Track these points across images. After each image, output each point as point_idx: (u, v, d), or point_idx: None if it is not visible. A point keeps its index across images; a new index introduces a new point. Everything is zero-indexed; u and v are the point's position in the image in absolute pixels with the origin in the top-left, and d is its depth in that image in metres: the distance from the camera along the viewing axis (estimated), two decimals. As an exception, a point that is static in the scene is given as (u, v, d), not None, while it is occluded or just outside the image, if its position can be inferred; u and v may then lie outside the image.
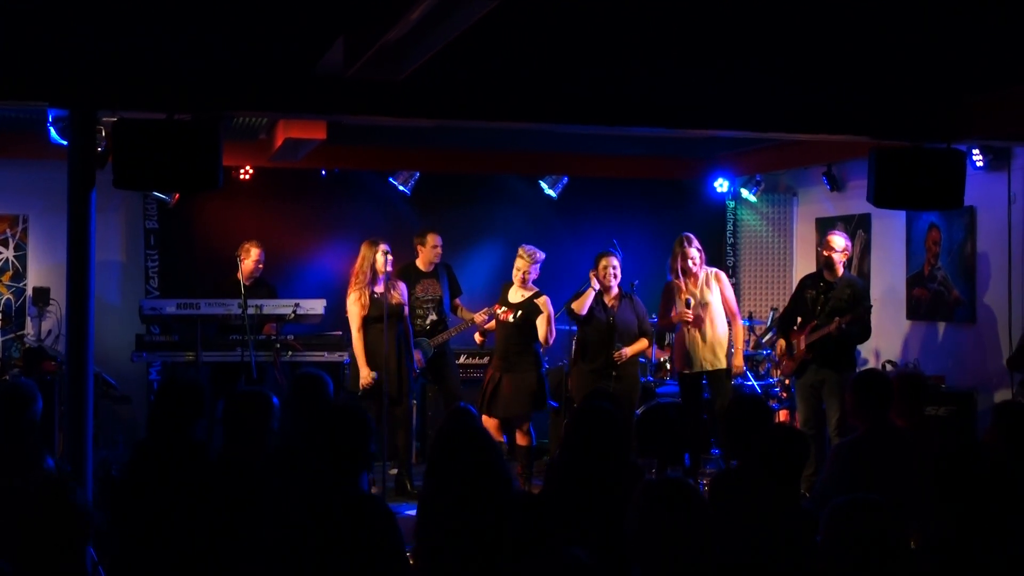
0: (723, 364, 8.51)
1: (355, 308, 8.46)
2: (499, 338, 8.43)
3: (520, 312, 8.31)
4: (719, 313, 8.52)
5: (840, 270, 8.43)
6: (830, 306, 8.29)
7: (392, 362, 8.38)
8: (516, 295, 8.41)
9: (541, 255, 8.41)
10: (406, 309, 8.63)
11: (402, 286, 8.67)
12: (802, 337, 8.36)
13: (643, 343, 8.45)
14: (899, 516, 3.15)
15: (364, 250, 8.50)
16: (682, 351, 8.55)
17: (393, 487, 8.61)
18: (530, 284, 8.40)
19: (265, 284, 9.39)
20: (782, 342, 8.62)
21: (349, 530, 3.87)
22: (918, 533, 3.88)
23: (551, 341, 8.40)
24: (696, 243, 8.59)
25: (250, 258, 9.10)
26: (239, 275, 8.87)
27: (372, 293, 8.39)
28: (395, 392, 8.44)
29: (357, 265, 8.52)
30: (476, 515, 4.09)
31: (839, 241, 8.47)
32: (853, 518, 3.11)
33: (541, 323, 8.28)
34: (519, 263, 8.37)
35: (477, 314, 8.86)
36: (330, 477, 4.01)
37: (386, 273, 8.42)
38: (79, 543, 2.91)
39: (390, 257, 8.45)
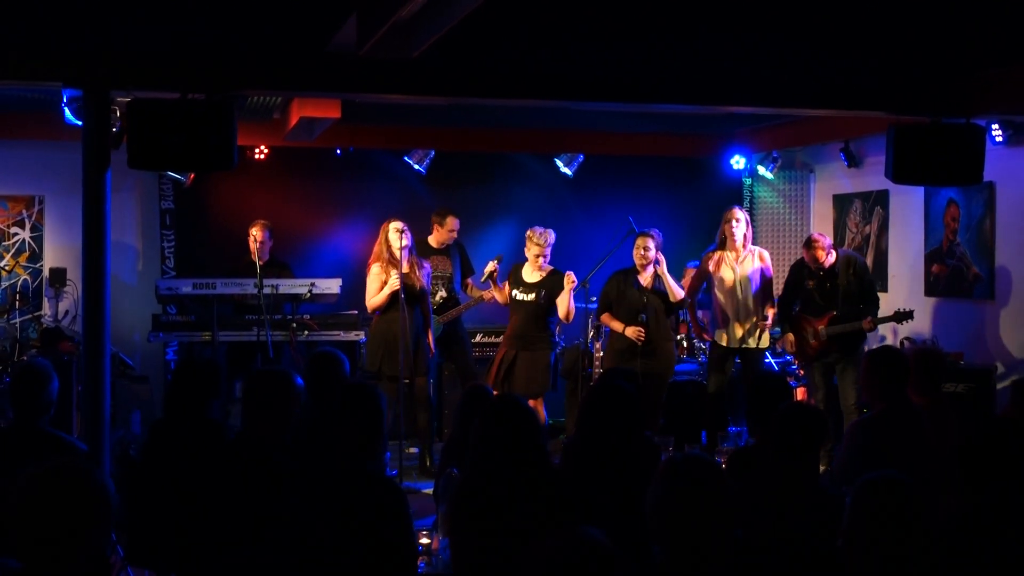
0: (754, 344, 8.49)
1: (375, 282, 8.40)
2: (518, 316, 8.39)
3: (543, 291, 8.31)
4: (751, 290, 8.50)
5: (830, 259, 8.36)
6: (841, 293, 8.29)
7: (411, 342, 8.38)
8: (533, 275, 8.40)
9: (552, 235, 8.39)
10: (428, 290, 8.64)
11: (426, 266, 8.65)
12: (820, 328, 8.31)
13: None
14: (925, 493, 3.12)
15: (382, 230, 8.47)
16: (716, 323, 8.61)
17: (416, 465, 8.64)
18: (545, 264, 8.40)
19: (279, 263, 9.39)
20: (791, 336, 8.56)
21: (360, 510, 3.87)
22: (937, 509, 3.86)
23: (571, 317, 8.38)
24: (743, 212, 8.65)
25: (251, 238, 9.09)
26: (253, 255, 8.89)
27: (398, 274, 8.33)
28: (409, 372, 8.44)
29: (377, 246, 8.48)
30: (524, 496, 4.08)
31: (819, 245, 8.34)
32: (882, 495, 3.09)
33: (563, 299, 8.27)
34: (534, 249, 8.34)
35: (485, 292, 8.91)
36: (344, 456, 4.00)
37: (406, 249, 8.38)
38: (103, 524, 2.90)
39: (406, 233, 8.40)
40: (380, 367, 8.38)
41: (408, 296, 8.25)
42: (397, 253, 8.23)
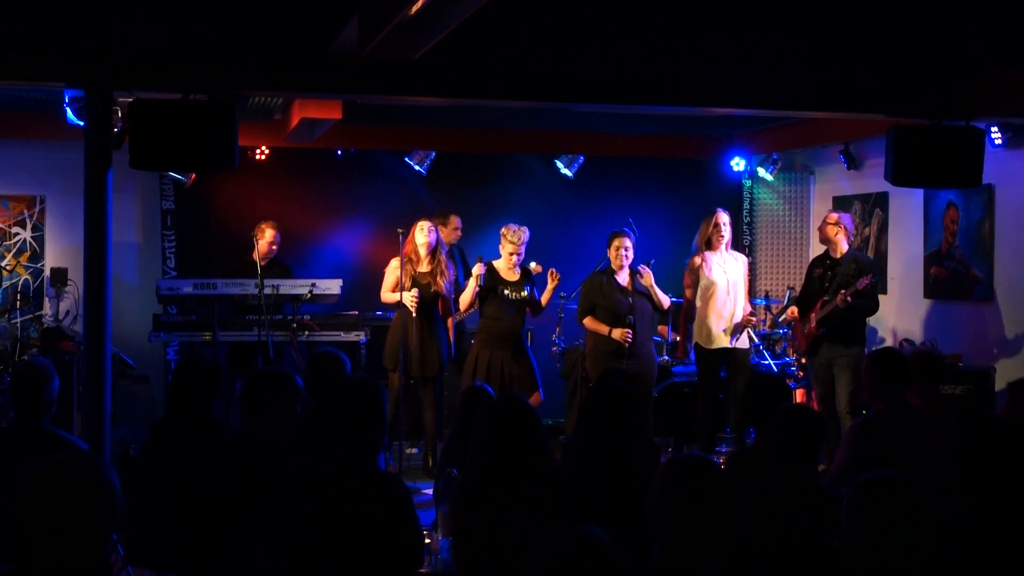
0: (743, 344, 8.49)
1: (390, 276, 8.50)
2: (508, 316, 8.30)
3: (531, 288, 8.33)
4: (740, 293, 8.49)
5: (843, 246, 8.46)
6: (837, 281, 8.32)
7: (418, 343, 8.38)
8: (512, 273, 8.38)
9: (527, 233, 8.36)
10: (451, 293, 8.63)
11: (452, 274, 8.66)
12: (813, 315, 8.37)
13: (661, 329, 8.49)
14: (922, 494, 3.14)
15: (412, 230, 8.48)
16: (701, 326, 8.53)
17: (419, 465, 8.67)
18: (519, 262, 8.40)
19: (280, 264, 9.41)
20: (794, 308, 8.66)
21: (364, 509, 3.88)
22: (935, 511, 3.87)
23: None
24: (727, 215, 8.60)
25: (264, 239, 9.13)
26: (255, 255, 8.91)
27: (413, 272, 8.39)
28: (418, 372, 8.44)
29: (406, 243, 8.49)
30: (525, 495, 4.09)
31: (832, 215, 8.56)
32: (878, 495, 3.10)
33: (546, 295, 8.34)
34: (509, 247, 8.28)
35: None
36: (345, 455, 4.01)
37: (427, 247, 8.41)
38: (108, 522, 2.91)
39: (427, 229, 8.42)
40: (395, 365, 8.40)
41: (422, 298, 8.30)
42: (421, 250, 8.35)
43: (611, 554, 2.63)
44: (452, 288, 8.61)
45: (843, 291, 8.15)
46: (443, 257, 8.53)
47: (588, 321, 8.37)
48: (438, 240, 8.53)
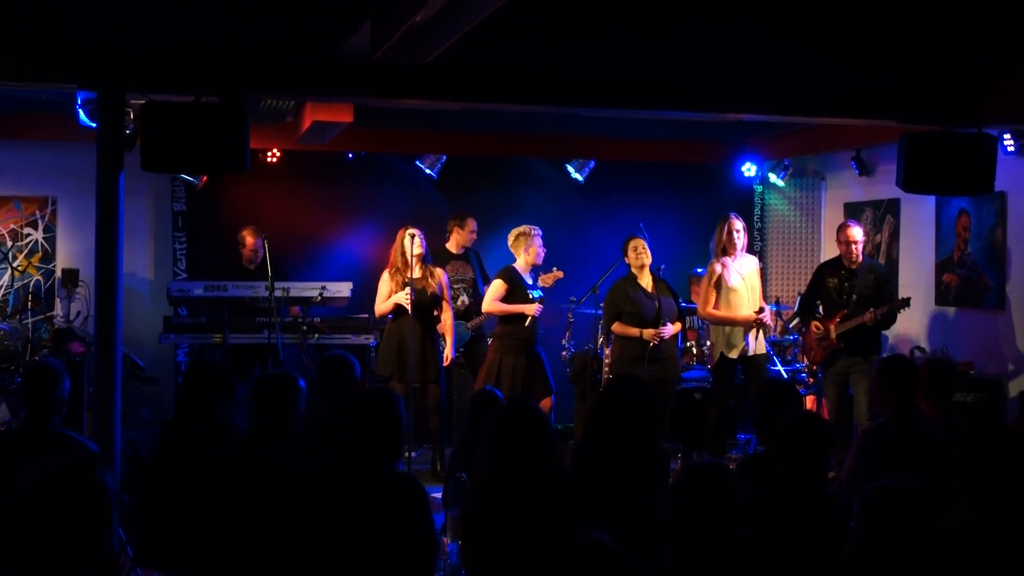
0: (760, 349, 8.45)
1: (384, 288, 8.52)
2: (532, 319, 8.32)
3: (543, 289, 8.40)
4: (757, 296, 8.45)
5: (860, 258, 8.42)
6: (857, 293, 8.26)
7: (417, 348, 8.38)
8: (529, 276, 8.41)
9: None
10: (447, 296, 8.64)
11: (444, 274, 8.65)
12: (831, 327, 8.31)
13: (679, 326, 8.44)
14: (932, 502, 3.13)
15: (397, 237, 8.51)
16: (723, 336, 8.47)
17: (428, 469, 8.66)
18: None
19: (275, 265, 9.35)
20: (816, 323, 8.51)
21: (384, 508, 3.89)
22: (944, 519, 3.86)
23: None
24: (741, 221, 8.53)
25: (244, 247, 9.16)
26: (246, 262, 8.98)
27: (404, 280, 8.39)
28: (419, 378, 8.44)
29: (391, 253, 8.55)
30: (534, 500, 4.09)
31: (857, 232, 8.45)
32: (887, 504, 3.10)
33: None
34: (534, 247, 8.33)
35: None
36: (365, 457, 4.02)
37: (417, 256, 8.41)
38: (104, 523, 2.92)
39: (418, 239, 8.42)
40: (392, 371, 8.41)
41: (418, 303, 8.28)
42: (409, 259, 8.29)
43: (614, 559, 2.62)
44: (446, 289, 8.65)
45: (873, 309, 8.11)
46: (428, 265, 8.57)
47: (616, 326, 8.27)
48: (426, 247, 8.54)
